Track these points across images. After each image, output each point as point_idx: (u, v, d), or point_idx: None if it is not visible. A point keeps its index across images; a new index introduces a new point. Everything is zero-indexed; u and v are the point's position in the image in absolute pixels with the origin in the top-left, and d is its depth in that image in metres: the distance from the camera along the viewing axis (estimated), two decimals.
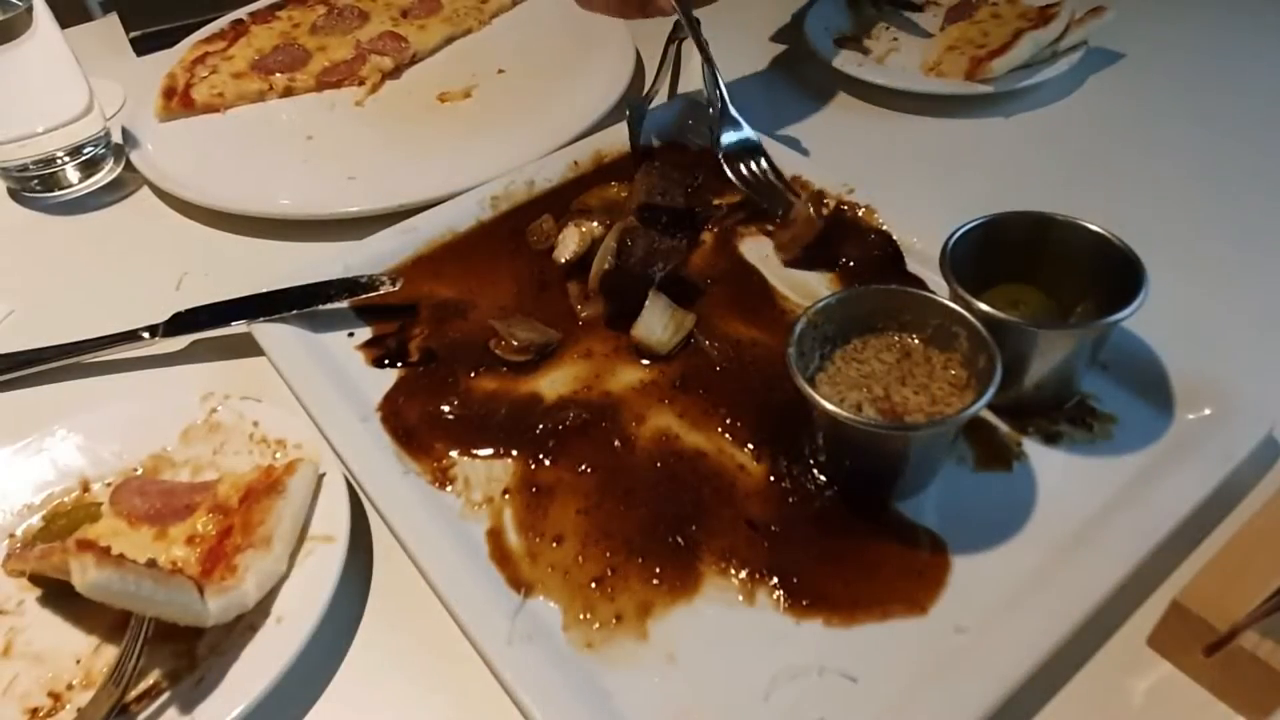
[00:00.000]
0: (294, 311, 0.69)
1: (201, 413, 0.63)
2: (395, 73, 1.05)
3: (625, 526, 0.55)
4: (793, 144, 0.87)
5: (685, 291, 0.70)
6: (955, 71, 0.94)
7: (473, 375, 0.66)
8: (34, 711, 0.50)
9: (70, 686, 0.51)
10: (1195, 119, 0.90)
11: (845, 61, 0.98)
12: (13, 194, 0.91)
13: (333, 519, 0.55)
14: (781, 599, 0.52)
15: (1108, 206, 0.78)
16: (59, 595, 0.54)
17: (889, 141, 0.91)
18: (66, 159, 0.89)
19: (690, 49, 1.02)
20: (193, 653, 0.51)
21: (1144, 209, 0.78)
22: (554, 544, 0.55)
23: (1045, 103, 0.93)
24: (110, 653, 0.52)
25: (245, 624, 0.51)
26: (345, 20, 1.11)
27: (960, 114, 0.93)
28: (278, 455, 0.60)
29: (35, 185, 0.90)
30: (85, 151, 0.90)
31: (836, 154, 0.87)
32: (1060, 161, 0.86)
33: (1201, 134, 0.87)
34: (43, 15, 0.84)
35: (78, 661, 0.52)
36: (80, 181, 0.91)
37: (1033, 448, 0.58)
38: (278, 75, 1.03)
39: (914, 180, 0.84)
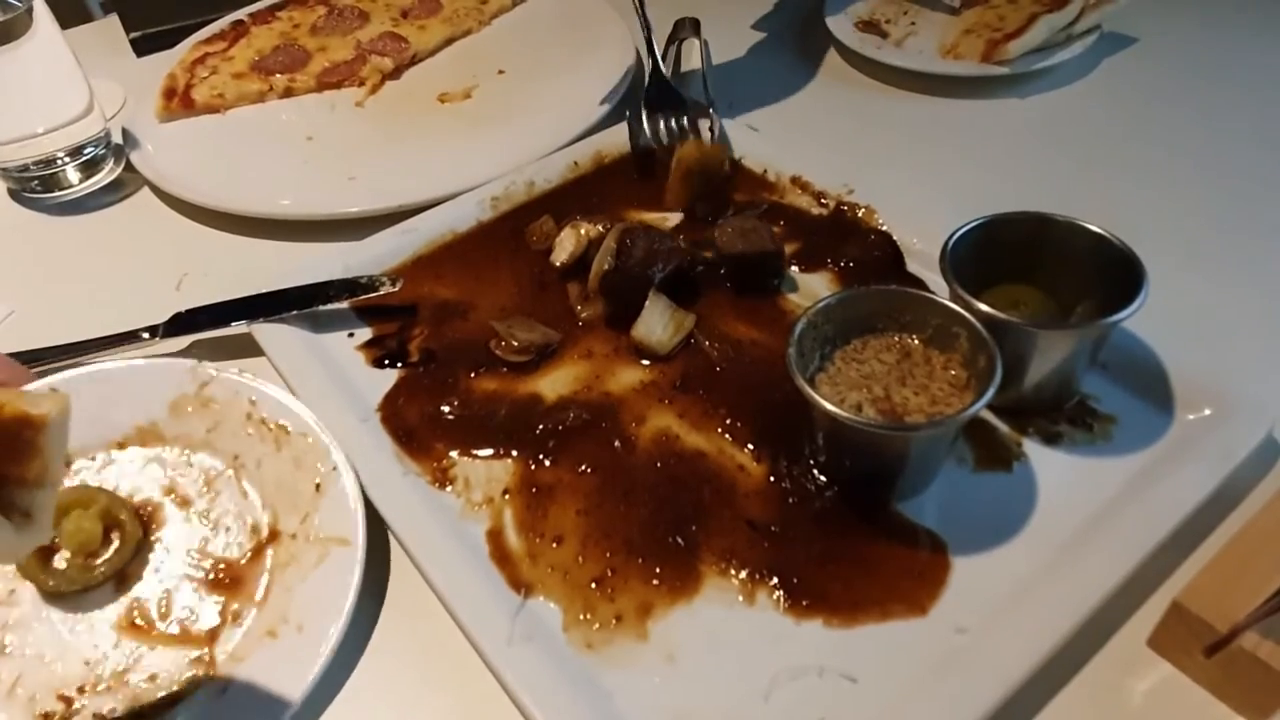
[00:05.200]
0: (294, 311, 0.69)
1: (193, 383, 0.60)
2: (395, 73, 1.05)
3: (625, 527, 0.55)
4: (804, 130, 0.89)
5: (685, 291, 0.70)
6: (972, 54, 0.96)
7: (473, 375, 0.66)
8: (46, 716, 0.48)
9: (81, 690, 0.49)
10: (1205, 108, 0.90)
11: (863, 44, 1.00)
12: (13, 194, 0.91)
13: (344, 520, 0.54)
14: (781, 599, 0.52)
15: (1113, 197, 0.79)
16: (60, 596, 0.53)
17: (905, 124, 0.92)
18: (67, 159, 0.89)
19: (691, 49, 1.02)
20: (212, 659, 0.50)
21: (1148, 201, 0.79)
22: (554, 544, 0.55)
23: (1059, 85, 0.95)
24: (121, 654, 0.51)
25: (263, 630, 0.51)
26: (345, 21, 1.11)
27: (976, 96, 0.94)
28: (280, 443, 0.58)
29: (35, 186, 0.90)
30: (85, 152, 0.90)
31: (852, 136, 0.90)
32: (1070, 146, 0.87)
33: (1210, 125, 0.88)
34: (43, 16, 0.84)
35: (86, 663, 0.50)
36: (80, 182, 0.91)
37: (1033, 448, 0.58)
38: (278, 75, 1.03)
39: (930, 161, 0.86)
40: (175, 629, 0.52)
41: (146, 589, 0.54)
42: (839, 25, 1.03)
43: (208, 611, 0.53)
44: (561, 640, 0.50)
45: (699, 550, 0.54)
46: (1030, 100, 0.94)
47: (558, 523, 0.56)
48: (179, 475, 0.59)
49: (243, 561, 0.55)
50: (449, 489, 0.58)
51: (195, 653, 0.51)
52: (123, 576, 0.54)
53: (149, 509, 0.57)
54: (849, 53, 1.01)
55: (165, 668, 0.50)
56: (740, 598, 0.52)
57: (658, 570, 0.53)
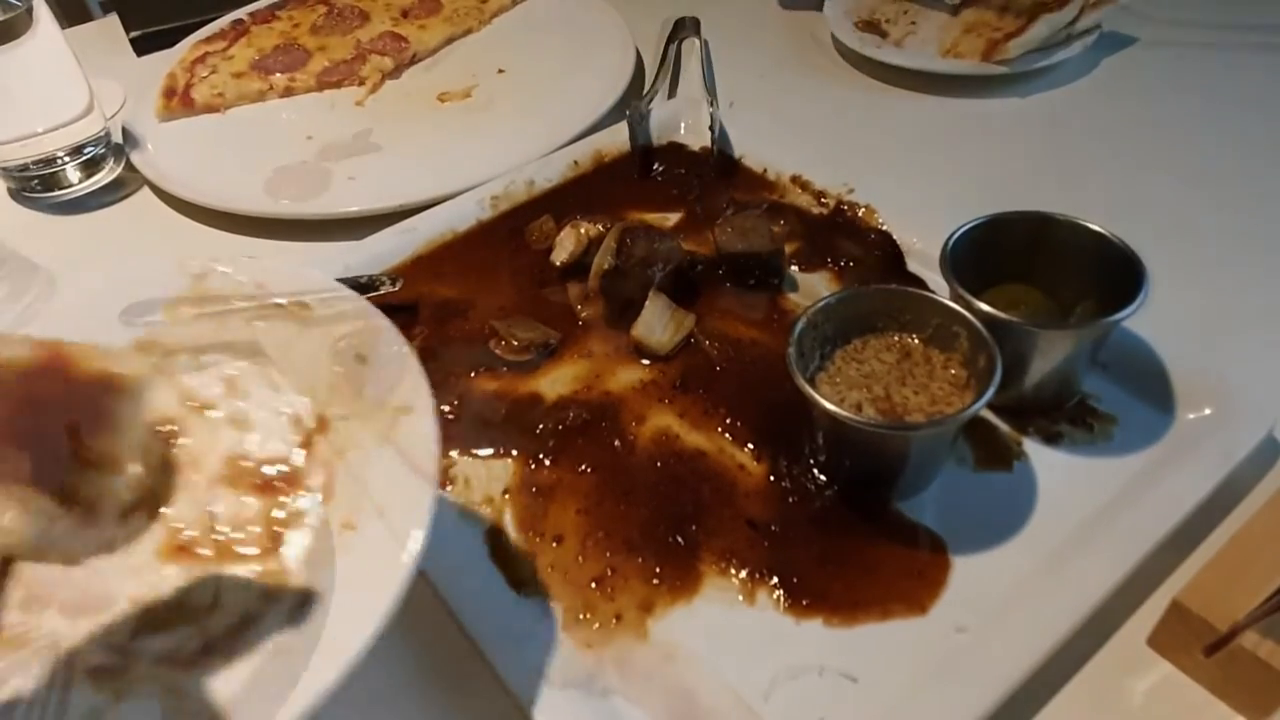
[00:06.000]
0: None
1: (184, 280, 0.51)
2: (395, 73, 1.05)
3: (625, 526, 0.55)
4: (804, 130, 0.89)
5: (685, 291, 0.70)
6: (972, 53, 0.96)
7: (473, 375, 0.66)
8: (98, 671, 0.40)
9: (135, 633, 0.41)
10: (1206, 107, 0.90)
11: (863, 44, 1.00)
12: (13, 194, 0.91)
13: (401, 386, 0.46)
14: (781, 599, 0.52)
15: (1113, 196, 0.79)
16: None
17: (906, 123, 0.92)
18: (67, 159, 0.89)
19: (689, 48, 1.02)
20: (283, 568, 0.43)
21: (1148, 200, 0.79)
22: (554, 544, 0.55)
23: (1059, 85, 0.95)
24: (173, 584, 0.42)
25: (339, 524, 0.43)
26: (346, 20, 1.11)
27: (977, 95, 0.95)
28: (304, 321, 0.50)
29: (36, 185, 0.90)
30: (86, 151, 0.90)
31: (852, 136, 0.90)
32: (1070, 145, 0.87)
33: (1210, 124, 0.88)
34: (43, 15, 0.84)
35: (133, 602, 0.42)
36: (81, 181, 0.91)
37: (1033, 448, 0.58)
38: (278, 75, 1.03)
39: (930, 160, 0.86)
40: (232, 544, 0.44)
41: (185, 509, 0.46)
42: (839, 25, 1.03)
43: (263, 518, 0.45)
44: (561, 639, 0.50)
45: (699, 549, 0.54)
46: (1030, 100, 0.94)
47: (558, 522, 0.56)
48: (193, 381, 0.51)
49: (292, 458, 0.47)
50: (449, 489, 0.58)
51: (261, 566, 0.43)
52: (153, 500, 0.46)
53: (166, 424, 0.49)
54: (849, 52, 1.01)
55: (230, 588, 0.43)
56: (740, 597, 0.52)
57: (658, 569, 0.53)
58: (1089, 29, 0.96)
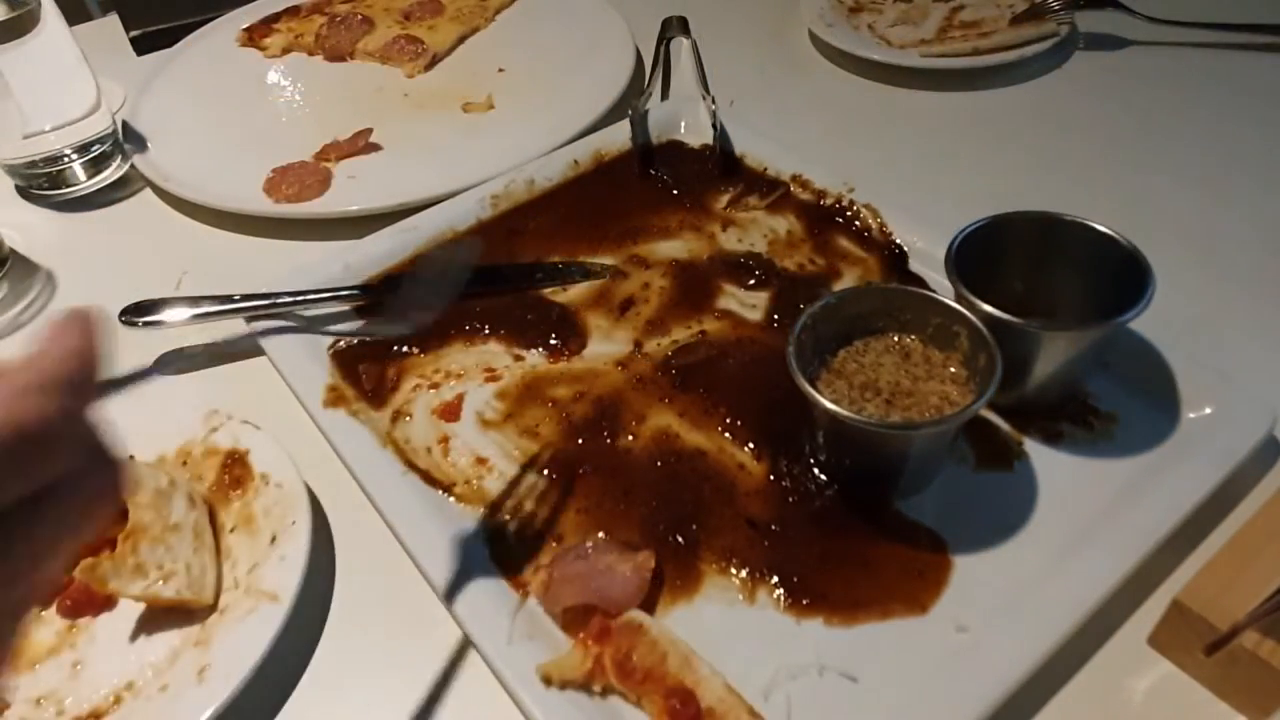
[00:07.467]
0: (294, 311, 0.69)
1: (202, 430, 0.60)
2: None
3: (625, 525, 0.55)
4: (804, 129, 0.89)
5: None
6: (971, 50, 0.96)
7: (473, 375, 0.66)
8: None
9: None
10: (1205, 108, 0.90)
11: (863, 43, 0.99)
12: (20, 192, 0.91)
13: (284, 576, 0.52)
14: (782, 598, 0.52)
15: (1112, 196, 0.79)
16: None
17: (905, 121, 0.92)
18: (74, 156, 0.89)
19: (681, 47, 1.02)
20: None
21: (1148, 201, 0.78)
22: (554, 544, 0.55)
23: (1059, 83, 0.95)
24: None
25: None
26: (350, 27, 1.10)
27: (976, 91, 0.95)
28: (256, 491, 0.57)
29: (43, 183, 0.90)
30: (93, 149, 0.90)
31: (853, 134, 0.89)
32: (1070, 145, 0.87)
33: (1213, 122, 0.88)
34: (50, 13, 0.83)
35: None
36: (87, 179, 0.91)
37: (1033, 447, 0.58)
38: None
39: (930, 158, 0.86)
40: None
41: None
42: (839, 24, 1.02)
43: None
44: (561, 639, 0.50)
45: (699, 549, 0.54)
46: (1030, 98, 0.93)
47: (558, 522, 0.56)
48: None
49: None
50: (449, 489, 0.58)
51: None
52: None
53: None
54: (849, 51, 1.00)
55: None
56: (740, 596, 0.52)
57: (658, 569, 0.53)
58: (1089, 28, 0.97)
